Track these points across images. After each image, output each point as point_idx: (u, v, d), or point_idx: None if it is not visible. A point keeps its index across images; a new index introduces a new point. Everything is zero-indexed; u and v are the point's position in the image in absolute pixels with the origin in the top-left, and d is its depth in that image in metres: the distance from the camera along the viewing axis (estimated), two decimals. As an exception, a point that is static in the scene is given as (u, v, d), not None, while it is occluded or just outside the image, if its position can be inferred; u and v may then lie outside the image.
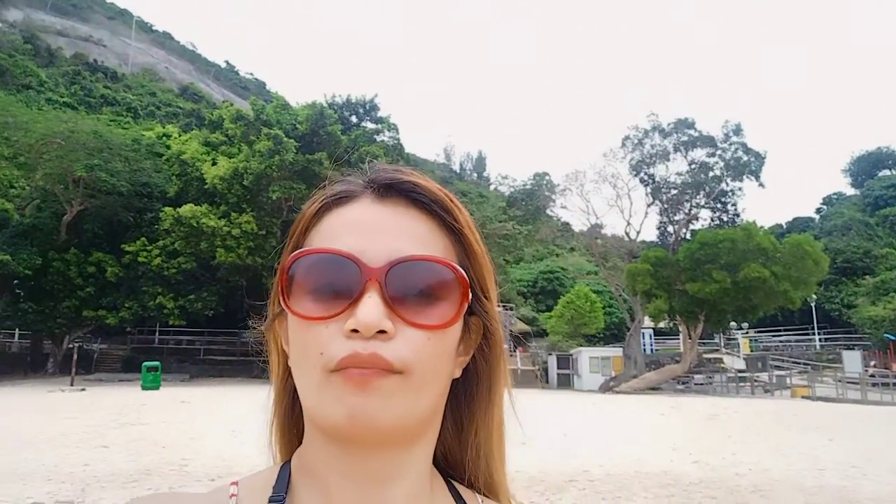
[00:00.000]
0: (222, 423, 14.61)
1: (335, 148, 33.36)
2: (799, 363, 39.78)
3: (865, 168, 69.90)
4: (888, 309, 38.34)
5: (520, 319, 51.24)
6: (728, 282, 28.10)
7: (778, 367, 37.26)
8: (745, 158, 35.95)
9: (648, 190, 38.05)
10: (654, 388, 32.19)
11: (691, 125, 37.45)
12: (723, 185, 36.52)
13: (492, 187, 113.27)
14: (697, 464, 10.54)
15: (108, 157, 32.70)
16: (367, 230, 0.57)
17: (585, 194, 38.85)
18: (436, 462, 0.64)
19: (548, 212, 42.21)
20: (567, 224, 45.76)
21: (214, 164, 33.25)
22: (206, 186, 32.69)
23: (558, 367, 39.14)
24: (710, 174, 36.55)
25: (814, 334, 46.13)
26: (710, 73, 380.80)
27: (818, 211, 68.35)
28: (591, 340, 44.58)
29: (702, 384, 33.18)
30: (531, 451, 10.59)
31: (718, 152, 36.57)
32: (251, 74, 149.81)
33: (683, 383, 33.81)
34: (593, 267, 53.29)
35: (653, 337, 45.82)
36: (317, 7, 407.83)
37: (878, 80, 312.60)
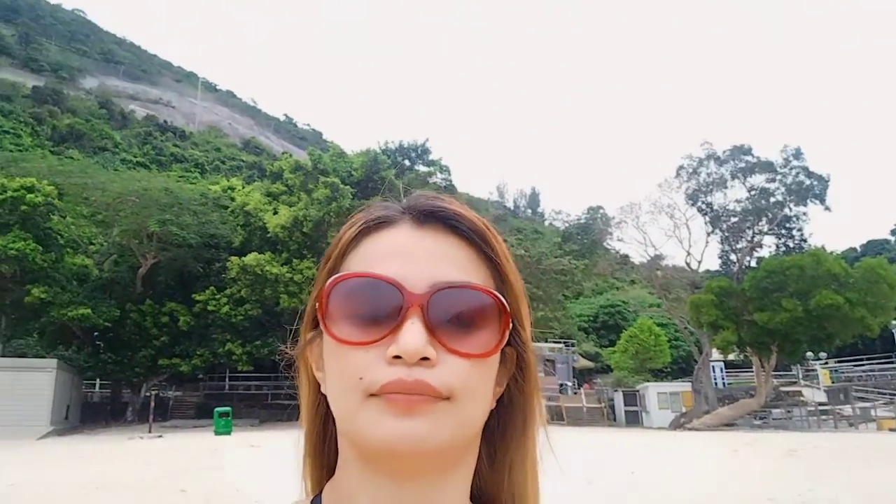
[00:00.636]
0: (293, 465, 14.90)
1: (389, 192, 33.98)
2: (884, 394, 37.46)
3: (943, 184, 66.23)
4: (980, 333, 35.85)
5: (582, 356, 50.34)
6: (799, 310, 27.01)
7: (861, 399, 35.15)
8: (808, 182, 34.81)
9: (707, 219, 37.25)
10: (728, 424, 30.89)
11: (748, 151, 36.66)
12: (786, 210, 35.42)
13: (546, 223, 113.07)
14: (772, 501, 10.13)
15: (178, 212, 34.49)
16: (408, 256, 0.57)
17: (642, 226, 38.39)
18: (473, 497, 0.63)
19: (605, 244, 41.81)
20: (626, 256, 45.11)
21: (276, 213, 34.56)
22: (268, 235, 33.96)
23: (625, 404, 38.13)
24: (772, 200, 35.52)
25: (898, 362, 43.43)
26: (765, 97, 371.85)
27: (894, 232, 65.06)
28: (658, 375, 43.31)
29: (780, 419, 31.65)
30: (597, 488, 10.43)
31: (779, 177, 35.59)
32: (308, 125, 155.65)
33: (761, 418, 32.36)
34: (655, 299, 52.05)
35: (724, 370, 44.12)
36: (370, 56, 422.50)
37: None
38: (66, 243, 34.59)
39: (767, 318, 28.15)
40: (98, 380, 38.64)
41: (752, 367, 35.37)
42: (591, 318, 55.56)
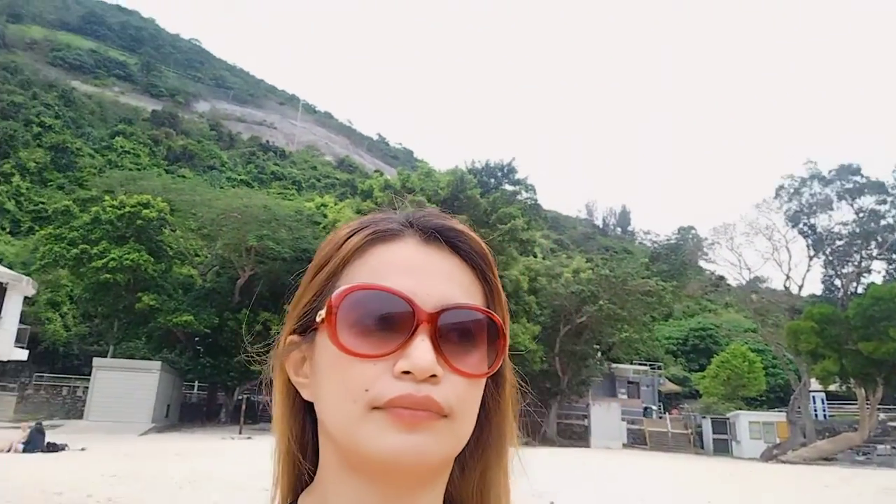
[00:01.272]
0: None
1: (474, 210, 34.75)
2: None
3: None
4: None
5: (669, 379, 48.53)
6: (909, 340, 25.04)
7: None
8: (923, 204, 32.29)
9: (809, 241, 35.25)
10: (827, 459, 28.91)
11: (856, 171, 34.47)
12: (897, 233, 32.98)
13: (637, 242, 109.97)
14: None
15: (275, 228, 36.58)
16: (418, 272, 0.58)
17: (736, 248, 36.89)
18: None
19: (697, 265, 40.40)
20: (721, 278, 43.28)
21: (364, 230, 35.93)
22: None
23: (714, 432, 36.46)
24: (882, 223, 33.17)
25: None
26: (877, 112, 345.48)
27: None
28: (752, 403, 41.08)
29: (885, 455, 29.22)
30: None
31: (890, 199, 33.20)
32: (400, 144, 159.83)
33: (864, 454, 30.02)
34: (751, 324, 49.48)
35: (825, 401, 41.23)
36: (461, 77, 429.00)
37: None
38: (175, 255, 37.48)
39: (874, 347, 26.31)
40: (196, 382, 41.28)
41: (856, 400, 32.95)
42: (681, 342, 53.45)
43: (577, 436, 38.44)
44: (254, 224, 36.09)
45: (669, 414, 42.47)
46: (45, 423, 21.45)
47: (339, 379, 0.56)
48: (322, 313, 0.58)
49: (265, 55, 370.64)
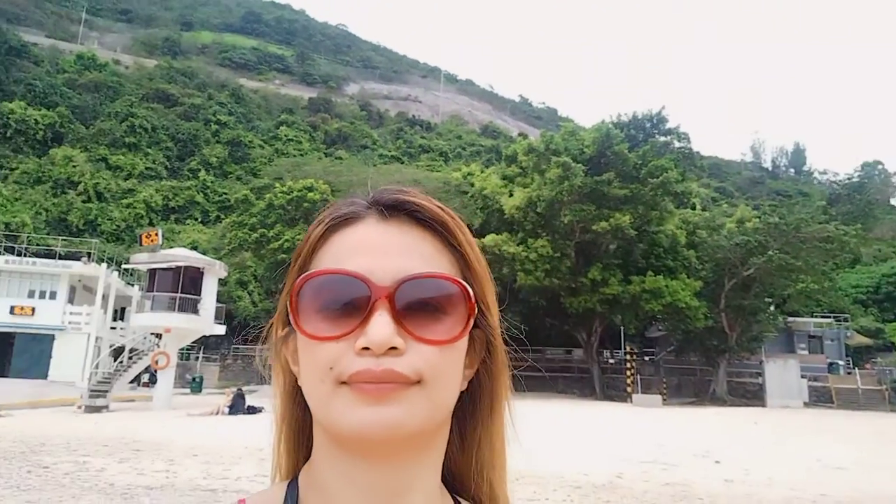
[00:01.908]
0: (557, 433, 15.51)
1: (623, 166, 33.51)
2: None
3: None
4: None
5: (858, 332, 43.88)
6: None
7: None
8: None
9: None
10: None
11: None
12: None
13: (815, 183, 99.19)
14: None
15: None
16: (374, 250, 0.60)
17: (935, 181, 32.09)
18: (443, 479, 0.67)
19: (891, 202, 35.87)
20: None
21: (511, 195, 36.13)
22: (505, 216, 35.70)
23: (914, 389, 32.61)
24: None
25: None
26: None
27: None
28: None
29: None
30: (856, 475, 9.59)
31: None
32: (543, 104, 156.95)
33: None
34: (961, 267, 43.04)
35: None
36: (603, 27, 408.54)
37: None
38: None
39: None
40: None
41: None
42: (871, 290, 47.82)
43: (750, 394, 36.30)
44: (405, 198, 37.77)
45: (860, 369, 38.59)
46: (244, 388, 24.54)
47: (308, 361, 0.59)
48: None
49: (406, 31, 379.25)
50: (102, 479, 8.52)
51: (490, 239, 33.91)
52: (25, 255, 36.94)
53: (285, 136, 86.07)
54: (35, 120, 64.78)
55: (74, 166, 61.47)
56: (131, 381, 30.38)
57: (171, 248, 31.11)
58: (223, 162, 74.61)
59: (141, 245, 29.28)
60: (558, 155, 34.50)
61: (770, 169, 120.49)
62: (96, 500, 7.33)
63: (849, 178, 35.93)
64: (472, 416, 0.68)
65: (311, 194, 37.41)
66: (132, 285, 39.68)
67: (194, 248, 39.23)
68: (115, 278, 37.23)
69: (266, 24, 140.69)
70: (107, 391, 22.41)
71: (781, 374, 33.66)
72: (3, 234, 41.02)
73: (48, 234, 48.48)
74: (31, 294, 34.42)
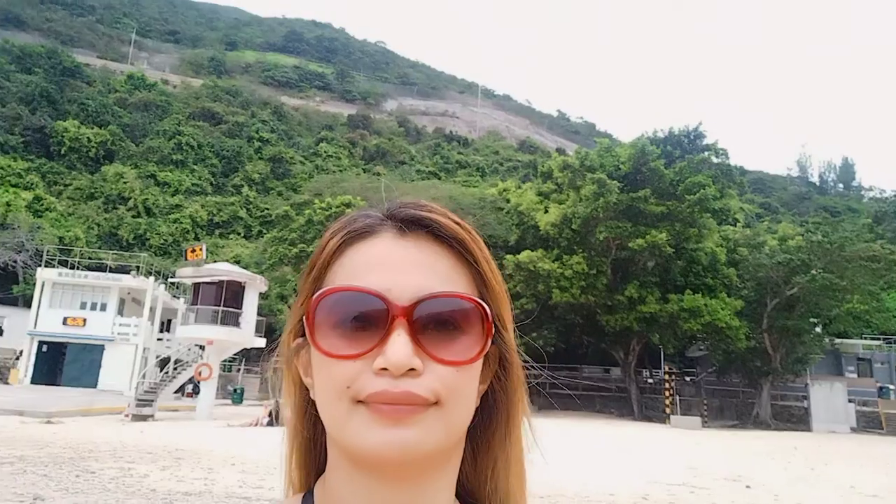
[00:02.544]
0: (588, 454, 15.56)
1: (659, 183, 33.26)
2: None
3: None
4: None
5: (910, 356, 42.20)
6: None
7: None
8: None
9: None
10: None
11: None
12: None
13: (865, 199, 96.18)
14: None
15: (461, 216, 38.22)
16: (392, 267, 0.59)
17: None
18: (457, 494, 0.65)
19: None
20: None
21: (546, 211, 36.17)
22: (540, 233, 35.74)
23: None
24: None
25: None
26: None
27: None
28: None
29: None
30: None
31: None
32: (581, 118, 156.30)
33: None
34: None
35: None
36: (642, 41, 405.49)
37: None
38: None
39: None
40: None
41: None
42: (924, 312, 46.06)
43: (795, 418, 35.30)
44: (441, 214, 38.13)
45: (911, 395, 37.16)
46: (281, 401, 25.03)
47: (324, 377, 0.58)
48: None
49: (444, 47, 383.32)
50: (145, 485, 8.96)
51: (525, 255, 33.97)
52: (78, 269, 38.53)
53: (325, 152, 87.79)
54: (88, 138, 67.61)
55: (125, 183, 63.88)
56: (176, 391, 31.31)
57: (215, 262, 32.11)
58: (265, 178, 76.48)
59: (186, 259, 30.33)
60: (593, 171, 34.46)
61: (817, 184, 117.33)
62: (140, 506, 7.74)
63: (895, 195, 34.71)
64: (484, 432, 0.67)
65: (349, 210, 38.09)
66: (178, 298, 40.96)
67: (237, 263, 40.34)
68: (162, 291, 38.51)
69: (307, 43, 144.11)
70: (153, 400, 23.19)
71: (828, 397, 32.68)
72: (57, 247, 42.85)
73: (100, 247, 50.44)
74: (83, 306, 35.88)
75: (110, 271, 39.01)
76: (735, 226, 42.41)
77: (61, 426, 17.54)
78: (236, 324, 25.49)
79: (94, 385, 33.46)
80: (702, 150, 37.52)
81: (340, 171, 76.16)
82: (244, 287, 26.14)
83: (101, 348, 34.86)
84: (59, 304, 35.60)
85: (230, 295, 25.54)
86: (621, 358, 37.26)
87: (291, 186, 74.24)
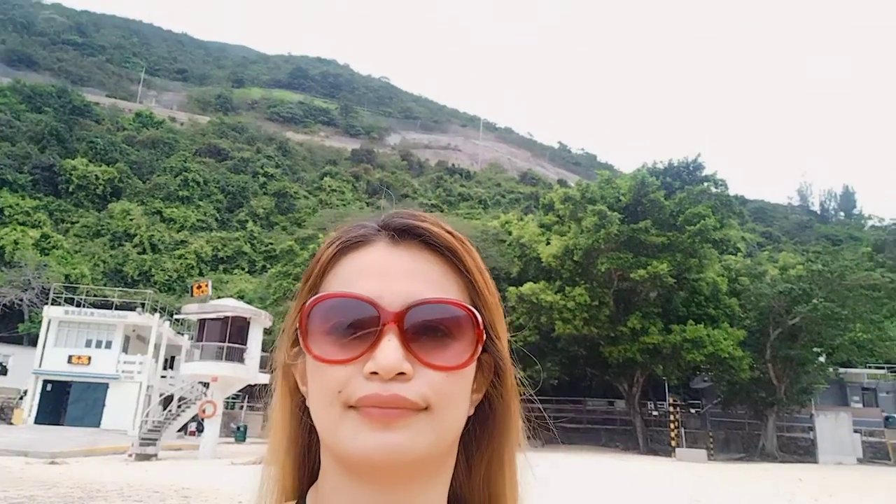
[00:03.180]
0: (593, 488, 15.75)
1: (659, 214, 33.59)
2: None
3: None
4: None
5: (916, 385, 41.87)
6: None
7: None
8: None
9: None
10: None
11: None
12: None
13: (867, 226, 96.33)
14: None
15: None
16: (383, 274, 0.61)
17: None
18: (449, 501, 0.66)
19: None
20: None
21: (548, 243, 36.47)
22: (542, 265, 35.97)
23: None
24: None
25: None
26: None
27: None
28: None
29: None
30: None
31: None
32: (582, 150, 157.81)
33: None
34: None
35: None
36: (640, 75, 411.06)
37: None
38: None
39: None
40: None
41: None
42: (930, 340, 45.82)
43: (802, 450, 34.96)
44: (444, 247, 38.41)
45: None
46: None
47: (317, 383, 0.60)
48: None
49: (446, 81, 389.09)
50: (154, 526, 9.10)
51: (527, 287, 34.16)
52: (84, 306, 38.84)
53: (329, 186, 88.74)
54: (96, 176, 68.66)
55: (131, 219, 64.63)
56: (179, 430, 31.33)
57: (220, 297, 32.37)
58: (269, 213, 77.25)
59: (192, 295, 30.62)
60: (594, 203, 34.82)
61: (818, 212, 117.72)
62: (148, 548, 7.88)
63: (895, 223, 34.97)
64: (479, 440, 0.68)
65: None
66: (182, 334, 41.14)
67: (241, 298, 40.57)
68: (167, 328, 38.71)
69: (312, 79, 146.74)
70: (157, 439, 23.25)
71: (833, 428, 32.44)
72: (63, 285, 43.25)
73: (105, 284, 50.89)
74: (87, 343, 36.06)
75: (115, 308, 39.31)
76: (736, 255, 42.57)
77: (66, 467, 17.66)
78: (241, 360, 25.64)
79: (98, 424, 33.44)
80: (701, 180, 37.93)
81: (344, 205, 76.96)
82: (249, 322, 26.36)
83: (105, 387, 34.92)
84: (65, 342, 35.78)
85: (235, 331, 25.74)
86: (625, 390, 37.12)
87: (296, 221, 74.91)
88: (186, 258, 64.06)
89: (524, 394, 0.69)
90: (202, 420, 26.53)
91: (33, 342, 38.54)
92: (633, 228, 32.86)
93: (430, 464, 0.60)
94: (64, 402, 34.70)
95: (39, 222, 60.35)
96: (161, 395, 33.05)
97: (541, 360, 35.66)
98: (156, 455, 22.50)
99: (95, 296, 43.90)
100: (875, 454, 33.25)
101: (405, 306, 0.58)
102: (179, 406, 26.66)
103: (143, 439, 23.05)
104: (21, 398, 36.10)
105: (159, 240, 64.66)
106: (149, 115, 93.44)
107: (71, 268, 53.68)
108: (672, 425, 33.55)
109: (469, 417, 0.64)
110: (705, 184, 37.22)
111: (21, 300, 46.29)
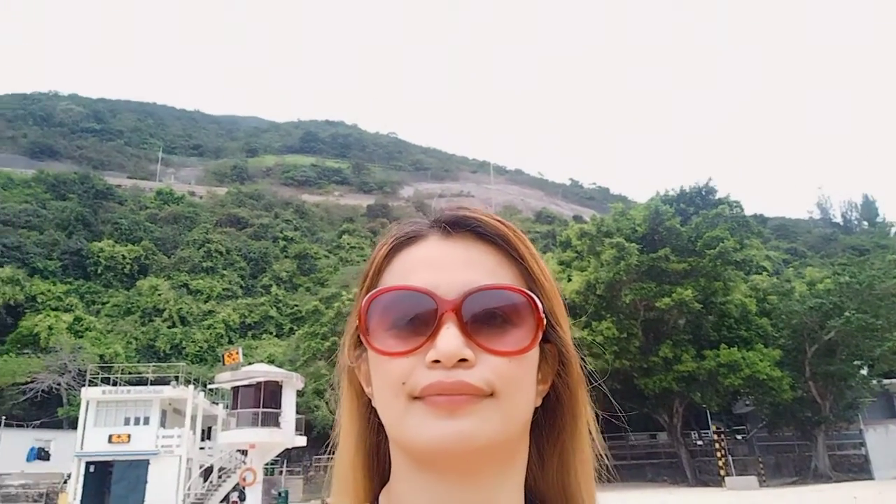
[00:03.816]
0: None
1: (677, 241, 33.66)
2: None
3: None
4: None
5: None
6: None
7: None
8: None
9: None
10: None
11: None
12: None
13: (891, 233, 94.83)
14: None
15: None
16: (438, 265, 0.62)
17: None
18: (526, 498, 0.65)
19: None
20: None
21: (570, 280, 36.57)
22: (566, 302, 35.81)
23: None
24: None
25: None
26: None
27: None
28: None
29: None
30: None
31: None
32: (594, 184, 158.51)
33: None
34: None
35: None
36: (646, 104, 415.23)
37: None
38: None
39: None
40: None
41: None
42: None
43: (856, 467, 33.87)
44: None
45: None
46: (327, 500, 24.93)
47: (380, 378, 0.61)
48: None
49: (453, 130, 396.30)
50: None
51: (554, 327, 34.02)
52: (119, 384, 39.39)
53: (348, 244, 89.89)
54: (122, 255, 70.41)
55: (159, 295, 65.87)
56: (221, 500, 31.27)
57: (251, 363, 32.74)
58: (292, 275, 78.24)
59: (224, 364, 31.07)
60: (611, 236, 35.03)
61: (841, 224, 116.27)
62: None
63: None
64: (549, 432, 0.68)
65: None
66: (216, 404, 41.43)
67: (271, 362, 40.91)
68: (202, 398, 39.05)
69: (322, 142, 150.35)
70: (200, 512, 23.32)
71: (885, 441, 31.52)
72: (98, 365, 44.01)
73: (138, 361, 51.60)
74: (126, 421, 36.41)
75: (150, 384, 39.81)
76: (762, 274, 42.19)
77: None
78: (277, 424, 25.81)
79: (142, 502, 33.53)
80: (715, 204, 38.06)
81: (364, 260, 77.46)
82: (282, 386, 26.63)
83: (146, 463, 35.07)
84: (104, 421, 36.15)
85: (268, 395, 26.00)
86: (666, 421, 36.45)
87: (318, 281, 75.75)
88: (215, 328, 64.85)
89: (590, 384, 0.68)
90: (243, 489, 26.57)
91: (73, 425, 39.00)
92: (652, 257, 32.91)
93: (499, 452, 0.60)
94: (107, 483, 34.86)
95: (71, 306, 61.74)
96: (201, 467, 33.15)
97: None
98: (201, 528, 22.54)
99: (130, 373, 44.51)
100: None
101: (462, 294, 0.59)
102: (220, 476, 26.80)
103: (187, 513, 23.14)
104: (65, 482, 36.35)
105: (188, 312, 65.67)
106: (169, 191, 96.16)
107: (105, 347, 54.62)
108: (718, 454, 32.77)
109: (537, 409, 0.64)
110: (720, 207, 37.36)
111: (59, 384, 47.08)
